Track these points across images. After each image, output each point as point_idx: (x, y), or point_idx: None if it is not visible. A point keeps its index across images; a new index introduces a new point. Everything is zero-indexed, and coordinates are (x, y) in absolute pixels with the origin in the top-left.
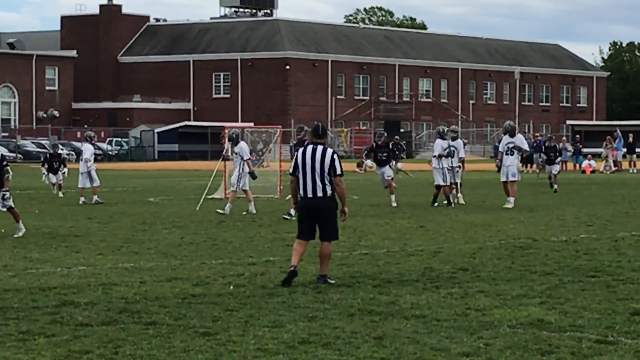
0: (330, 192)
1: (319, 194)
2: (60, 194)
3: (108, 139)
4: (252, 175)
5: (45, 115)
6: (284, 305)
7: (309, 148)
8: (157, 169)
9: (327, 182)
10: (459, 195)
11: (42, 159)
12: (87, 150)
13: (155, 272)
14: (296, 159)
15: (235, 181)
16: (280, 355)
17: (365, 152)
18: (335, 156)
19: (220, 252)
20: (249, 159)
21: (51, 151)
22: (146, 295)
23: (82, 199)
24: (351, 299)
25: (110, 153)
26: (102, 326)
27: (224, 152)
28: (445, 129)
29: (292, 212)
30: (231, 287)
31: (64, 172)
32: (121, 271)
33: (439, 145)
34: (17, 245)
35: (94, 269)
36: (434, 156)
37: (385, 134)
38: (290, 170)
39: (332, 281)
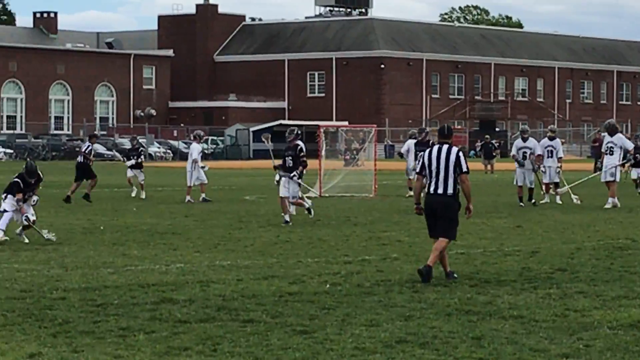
0: (452, 190)
1: (440, 191)
2: (143, 195)
3: (204, 138)
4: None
5: (142, 113)
6: (381, 304)
7: (435, 148)
8: (252, 167)
9: (450, 181)
10: (557, 195)
11: (122, 154)
12: (195, 149)
13: (251, 270)
14: (423, 159)
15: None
16: (378, 355)
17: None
18: (460, 154)
19: (316, 250)
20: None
21: (130, 146)
22: (243, 292)
23: (188, 197)
24: (448, 298)
25: (205, 152)
26: (201, 323)
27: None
28: (527, 129)
29: (287, 218)
30: (327, 286)
31: (140, 163)
32: (218, 269)
33: (515, 146)
34: (117, 243)
35: (192, 267)
36: (512, 155)
37: (428, 130)
38: (417, 169)
39: (425, 279)
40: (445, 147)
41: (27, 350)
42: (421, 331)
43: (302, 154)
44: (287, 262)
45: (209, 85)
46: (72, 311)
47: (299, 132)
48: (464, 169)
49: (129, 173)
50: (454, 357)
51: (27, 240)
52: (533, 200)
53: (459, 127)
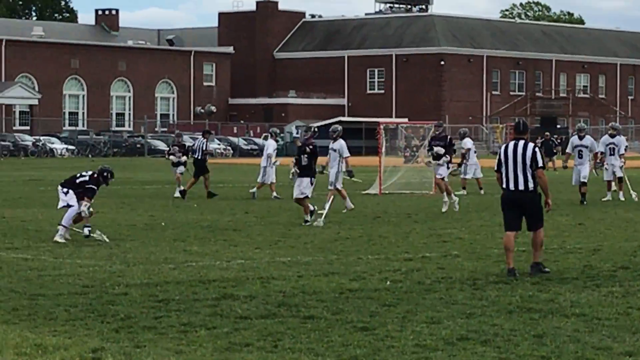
0: (533, 185)
1: (521, 187)
2: (177, 193)
3: (263, 135)
4: (350, 174)
5: (202, 110)
6: (442, 302)
7: (511, 144)
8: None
9: (529, 176)
10: (620, 192)
11: (167, 150)
12: (270, 145)
13: (312, 267)
14: (499, 155)
15: (333, 179)
16: (439, 352)
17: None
18: (536, 149)
19: (376, 247)
20: (348, 156)
21: (175, 141)
22: (304, 289)
23: (274, 193)
24: (509, 296)
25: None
26: (261, 319)
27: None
28: (583, 126)
29: (308, 217)
30: (388, 283)
31: (184, 162)
32: (279, 265)
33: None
34: (177, 239)
35: (252, 263)
36: (567, 153)
37: (443, 126)
38: (495, 168)
39: (547, 269)
40: (521, 142)
41: (90, 345)
42: (482, 329)
43: (315, 153)
44: (348, 259)
45: (269, 82)
46: (134, 306)
47: (316, 130)
48: (540, 164)
49: (176, 172)
50: (515, 354)
51: (107, 240)
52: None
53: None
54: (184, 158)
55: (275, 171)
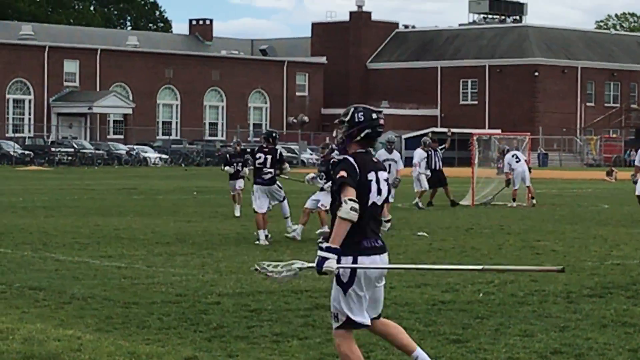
0: None
1: None
2: (237, 212)
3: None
4: (396, 182)
5: (295, 120)
6: (535, 315)
7: None
8: (404, 174)
9: None
10: None
11: (224, 159)
12: (417, 155)
13: (404, 278)
14: None
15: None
16: None
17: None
18: None
19: (469, 258)
20: (401, 168)
21: (232, 150)
22: (396, 300)
23: (418, 201)
24: (604, 309)
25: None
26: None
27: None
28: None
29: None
30: (480, 295)
31: (246, 174)
32: None
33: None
34: (270, 249)
35: None
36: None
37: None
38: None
39: None
40: None
41: (183, 354)
42: (576, 342)
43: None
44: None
45: (362, 92)
46: (226, 316)
47: (334, 147)
48: None
49: (234, 187)
50: None
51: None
52: None
53: (614, 135)
54: (245, 170)
55: (423, 179)
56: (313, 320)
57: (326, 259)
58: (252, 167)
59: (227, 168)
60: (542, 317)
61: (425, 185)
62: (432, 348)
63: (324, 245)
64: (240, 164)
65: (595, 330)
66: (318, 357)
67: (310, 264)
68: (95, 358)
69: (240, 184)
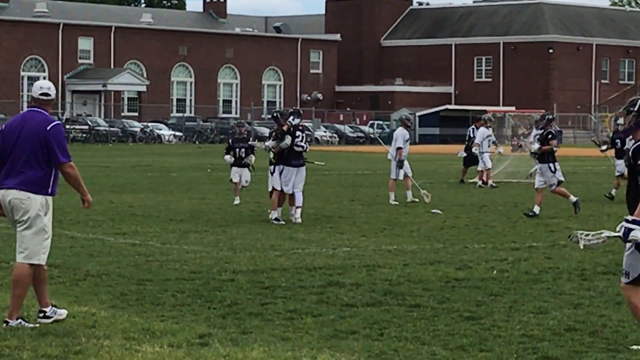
0: None
1: None
2: (237, 200)
3: (370, 122)
4: (400, 164)
5: (309, 98)
6: (549, 292)
7: None
8: (418, 152)
9: None
10: None
11: (227, 143)
12: (480, 133)
13: (418, 255)
14: None
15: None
16: (546, 342)
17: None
18: None
19: (483, 236)
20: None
21: (235, 132)
22: (409, 277)
23: (490, 182)
24: (618, 287)
25: (372, 136)
26: (367, 307)
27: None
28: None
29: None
30: (494, 272)
31: (251, 162)
32: (384, 253)
33: None
34: (283, 226)
35: (358, 251)
36: None
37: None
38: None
39: None
40: None
41: (197, 331)
42: (590, 319)
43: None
44: (454, 248)
45: (376, 69)
46: (240, 293)
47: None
48: None
49: (234, 176)
50: (624, 346)
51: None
52: None
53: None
54: (252, 158)
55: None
56: (327, 297)
57: (631, 229)
58: (270, 152)
59: (226, 158)
60: (556, 295)
61: (489, 164)
62: (446, 325)
63: (630, 218)
64: (243, 150)
65: (609, 308)
66: (332, 334)
67: (617, 234)
68: (109, 334)
69: (247, 175)
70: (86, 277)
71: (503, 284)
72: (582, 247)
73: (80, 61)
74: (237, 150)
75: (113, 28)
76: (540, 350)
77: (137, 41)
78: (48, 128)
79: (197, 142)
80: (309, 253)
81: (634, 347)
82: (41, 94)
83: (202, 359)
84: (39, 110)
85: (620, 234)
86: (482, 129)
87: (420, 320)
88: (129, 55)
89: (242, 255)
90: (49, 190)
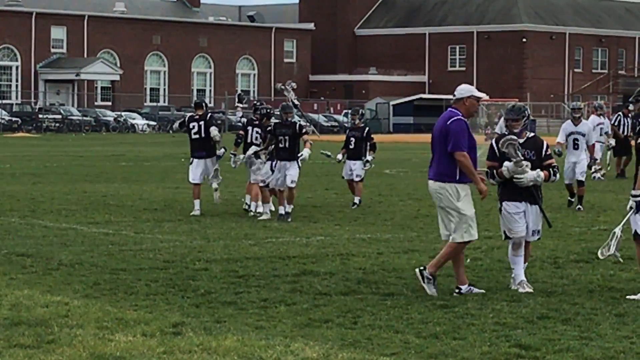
0: None
1: None
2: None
3: (344, 111)
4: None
5: (283, 87)
6: None
7: None
8: (392, 141)
9: None
10: None
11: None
12: (589, 122)
13: (392, 244)
14: None
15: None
16: (519, 330)
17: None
18: None
19: None
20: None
21: (281, 118)
22: (383, 266)
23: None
24: (590, 275)
25: (345, 125)
26: (341, 296)
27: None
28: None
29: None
30: (468, 260)
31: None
32: (358, 242)
33: None
34: (257, 215)
35: (332, 240)
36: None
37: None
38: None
39: None
40: None
41: (170, 320)
42: (563, 307)
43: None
44: (428, 237)
45: (350, 58)
46: (214, 282)
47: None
48: None
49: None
50: (596, 333)
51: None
52: None
53: (602, 102)
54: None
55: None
56: (301, 286)
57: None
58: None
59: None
60: (530, 283)
61: (599, 154)
62: (419, 313)
63: (635, 192)
64: (287, 138)
65: (582, 296)
66: (306, 322)
67: (628, 214)
68: (83, 324)
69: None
70: (59, 266)
71: (477, 272)
72: (615, 254)
73: (53, 50)
74: (280, 138)
75: (86, 17)
76: (513, 338)
77: (111, 30)
78: None
79: (170, 132)
80: (282, 242)
81: (632, 296)
82: None
83: (176, 348)
84: None
85: (634, 206)
86: (592, 116)
87: (394, 308)
88: (102, 44)
89: (215, 244)
90: None
